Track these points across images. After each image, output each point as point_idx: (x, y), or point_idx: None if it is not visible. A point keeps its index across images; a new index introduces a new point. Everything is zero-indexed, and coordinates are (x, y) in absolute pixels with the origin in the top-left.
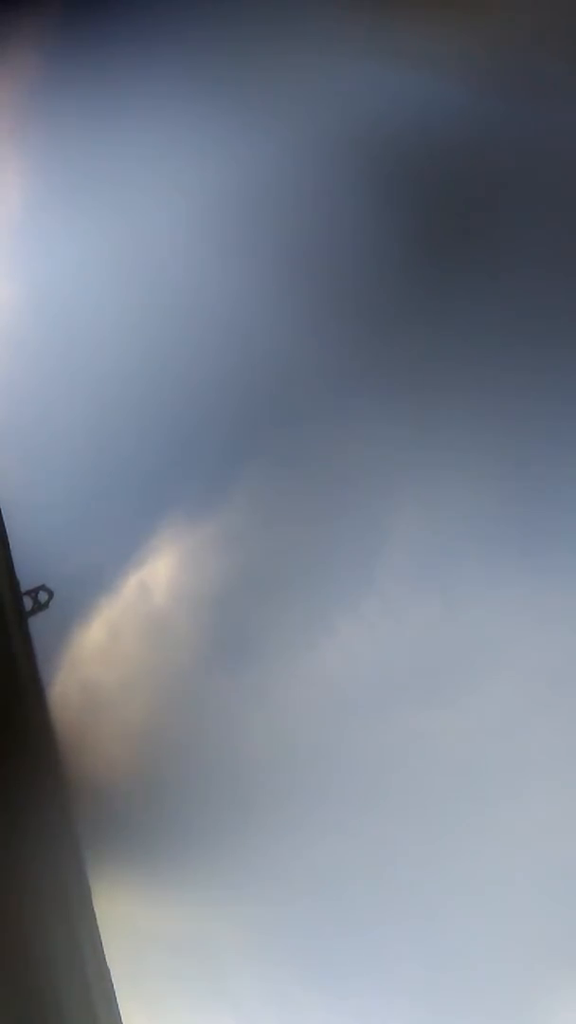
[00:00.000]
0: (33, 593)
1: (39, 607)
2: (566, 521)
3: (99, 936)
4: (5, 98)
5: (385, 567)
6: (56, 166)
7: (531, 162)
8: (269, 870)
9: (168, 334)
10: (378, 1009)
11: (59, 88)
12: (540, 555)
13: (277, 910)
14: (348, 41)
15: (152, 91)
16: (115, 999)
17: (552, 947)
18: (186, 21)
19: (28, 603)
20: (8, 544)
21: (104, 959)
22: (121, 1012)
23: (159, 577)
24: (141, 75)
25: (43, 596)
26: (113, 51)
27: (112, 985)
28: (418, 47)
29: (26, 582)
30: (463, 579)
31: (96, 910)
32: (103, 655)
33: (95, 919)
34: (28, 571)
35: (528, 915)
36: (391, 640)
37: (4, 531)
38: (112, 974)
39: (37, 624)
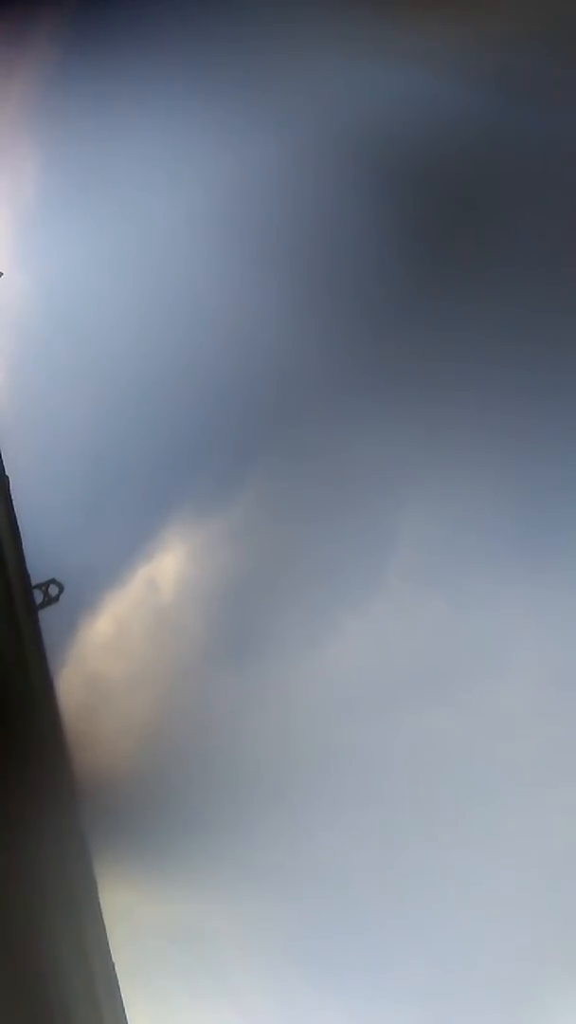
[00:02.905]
0: (44, 587)
1: (49, 600)
2: (575, 521)
3: (104, 929)
4: (20, 97)
5: (392, 565)
6: (68, 164)
7: (532, 161)
8: (272, 866)
9: (178, 332)
10: (377, 1003)
11: (71, 87)
12: (548, 554)
13: (279, 906)
14: (348, 41)
15: (160, 91)
16: (119, 991)
17: (555, 945)
18: (192, 23)
19: (39, 596)
20: (20, 538)
21: (109, 952)
22: (124, 1004)
23: (167, 573)
24: (149, 76)
25: (54, 589)
26: (123, 53)
27: (116, 977)
28: (418, 47)
29: (36, 576)
30: (470, 578)
31: (101, 904)
32: (110, 649)
33: (100, 912)
34: (39, 565)
35: (531, 913)
36: (397, 639)
37: (16, 526)
38: (116, 967)
39: (46, 617)
